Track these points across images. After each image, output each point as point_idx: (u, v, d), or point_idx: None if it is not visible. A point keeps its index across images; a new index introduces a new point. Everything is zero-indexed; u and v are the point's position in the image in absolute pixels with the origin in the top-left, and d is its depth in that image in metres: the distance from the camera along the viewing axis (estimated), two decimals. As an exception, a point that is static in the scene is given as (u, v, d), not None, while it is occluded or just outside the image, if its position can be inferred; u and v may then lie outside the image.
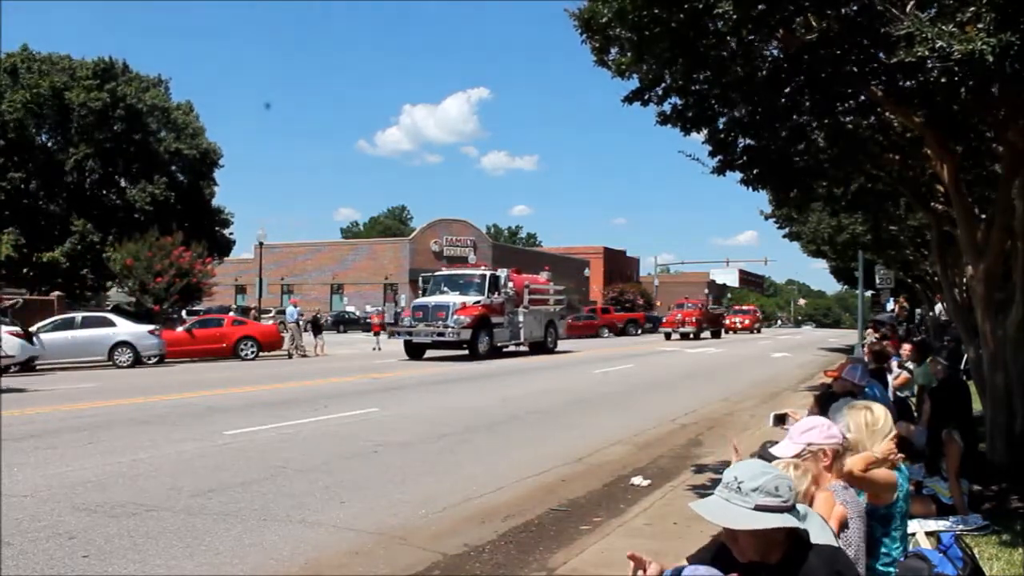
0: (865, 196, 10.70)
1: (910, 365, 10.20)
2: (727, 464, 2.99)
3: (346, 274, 62.98)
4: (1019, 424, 6.63)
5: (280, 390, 15.16)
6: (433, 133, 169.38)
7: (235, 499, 6.61)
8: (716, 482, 2.52)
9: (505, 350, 26.57)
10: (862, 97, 6.66)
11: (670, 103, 6.82)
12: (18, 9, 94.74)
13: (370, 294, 58.17)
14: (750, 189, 8.03)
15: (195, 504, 6.44)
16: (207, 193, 41.25)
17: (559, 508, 6.70)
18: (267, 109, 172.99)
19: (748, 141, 7.50)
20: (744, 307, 65.24)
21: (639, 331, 49.26)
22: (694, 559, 2.79)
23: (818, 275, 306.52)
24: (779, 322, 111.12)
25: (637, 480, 7.68)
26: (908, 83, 5.67)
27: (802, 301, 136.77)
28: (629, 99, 6.68)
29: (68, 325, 22.00)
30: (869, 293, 35.02)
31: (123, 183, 38.89)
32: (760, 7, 5.15)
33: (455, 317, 23.87)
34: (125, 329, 22.15)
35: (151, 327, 23.05)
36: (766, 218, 20.39)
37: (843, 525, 3.10)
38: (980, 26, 4.19)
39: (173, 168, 39.76)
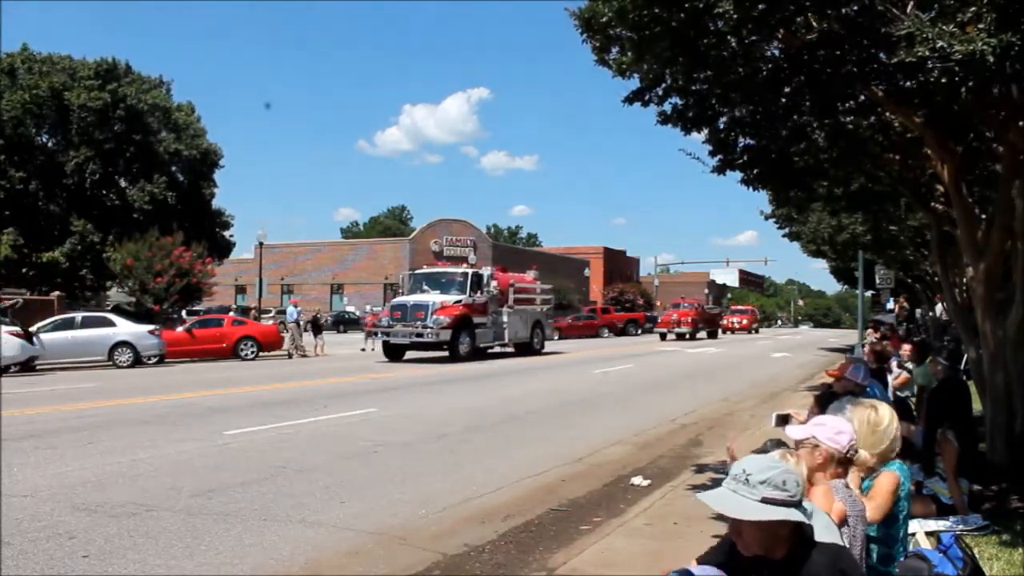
0: (865, 196, 10.70)
1: (910, 365, 10.20)
2: (727, 464, 2.99)
3: (346, 274, 63.06)
4: (1019, 424, 6.63)
5: (280, 390, 15.16)
6: (433, 133, 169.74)
7: (235, 499, 6.61)
8: (716, 482, 2.53)
9: (489, 351, 25.75)
10: (862, 97, 6.66)
11: (670, 103, 6.84)
12: (18, 9, 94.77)
13: (370, 294, 58.12)
14: (750, 189, 8.07)
15: (195, 504, 6.44)
16: (207, 194, 41.22)
17: (559, 508, 6.70)
18: (267, 109, 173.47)
19: (748, 141, 7.52)
20: (742, 307, 65.22)
21: (639, 331, 49.23)
22: (704, 559, 2.78)
23: (818, 275, 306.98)
24: (779, 322, 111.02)
25: (637, 480, 7.68)
26: (908, 83, 5.68)
27: (802, 301, 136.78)
28: (629, 99, 6.69)
29: (68, 325, 22.00)
30: (869, 293, 35.06)
31: (123, 183, 38.84)
32: (760, 7, 5.16)
33: (434, 317, 22.86)
34: (125, 329, 22.15)
35: (151, 327, 23.04)
36: (766, 218, 20.41)
37: (841, 523, 3.10)
38: (981, 26, 4.20)
39: (173, 168, 39.71)
